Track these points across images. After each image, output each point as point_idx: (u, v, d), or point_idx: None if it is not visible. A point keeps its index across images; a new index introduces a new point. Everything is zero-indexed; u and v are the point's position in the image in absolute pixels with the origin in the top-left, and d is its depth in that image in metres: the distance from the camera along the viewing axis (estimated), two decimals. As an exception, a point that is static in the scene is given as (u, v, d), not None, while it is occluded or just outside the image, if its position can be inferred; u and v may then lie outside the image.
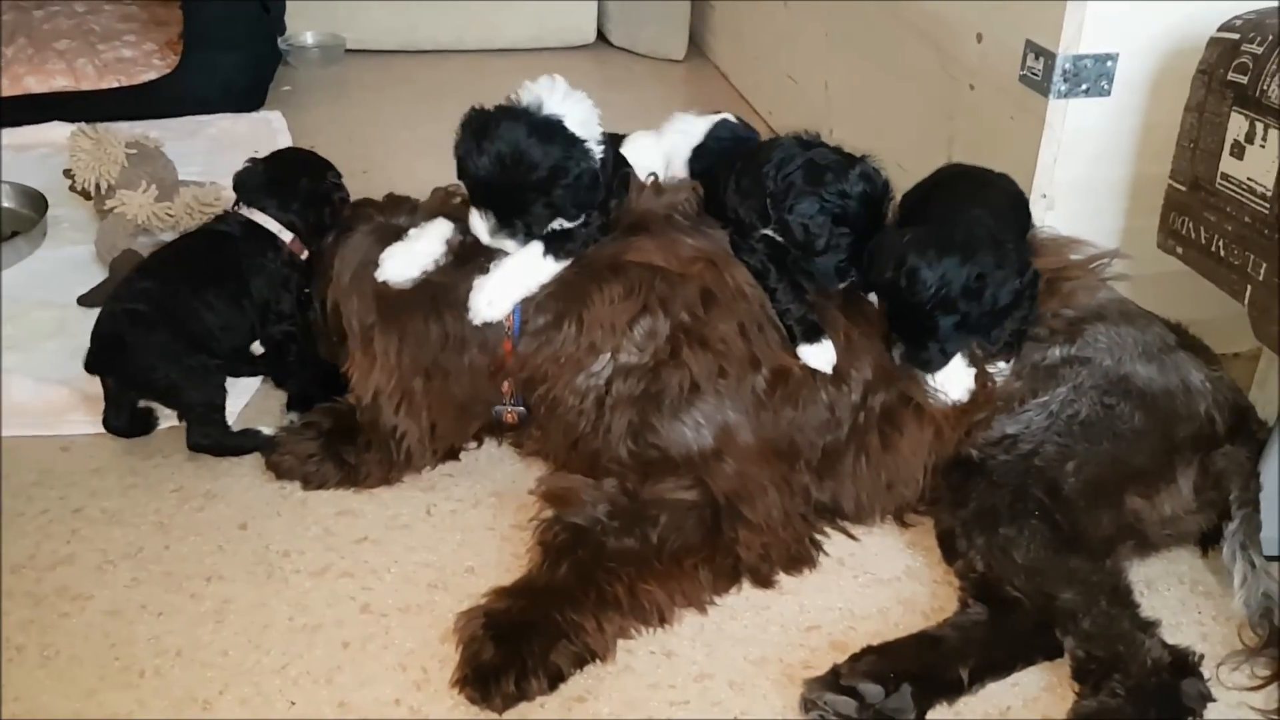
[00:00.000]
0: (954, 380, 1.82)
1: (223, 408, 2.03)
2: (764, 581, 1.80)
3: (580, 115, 1.83)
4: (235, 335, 2.09)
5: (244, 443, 2.04)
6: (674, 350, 1.83)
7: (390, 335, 1.88)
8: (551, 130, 1.78)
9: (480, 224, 1.84)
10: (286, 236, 2.14)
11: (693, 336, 1.83)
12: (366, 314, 1.89)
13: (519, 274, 1.85)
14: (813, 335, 1.84)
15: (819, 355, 1.83)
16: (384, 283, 1.87)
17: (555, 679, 1.59)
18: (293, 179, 2.16)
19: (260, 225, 2.14)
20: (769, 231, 1.84)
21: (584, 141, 1.81)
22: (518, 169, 1.77)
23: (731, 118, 2.12)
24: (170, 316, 1.99)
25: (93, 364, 2.00)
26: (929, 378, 1.82)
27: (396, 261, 1.88)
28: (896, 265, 1.72)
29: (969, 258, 1.70)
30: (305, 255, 2.14)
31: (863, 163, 1.85)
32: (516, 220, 1.81)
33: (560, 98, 1.82)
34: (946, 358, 1.78)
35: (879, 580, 1.84)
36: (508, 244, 1.85)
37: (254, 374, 2.23)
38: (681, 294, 1.85)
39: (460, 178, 1.85)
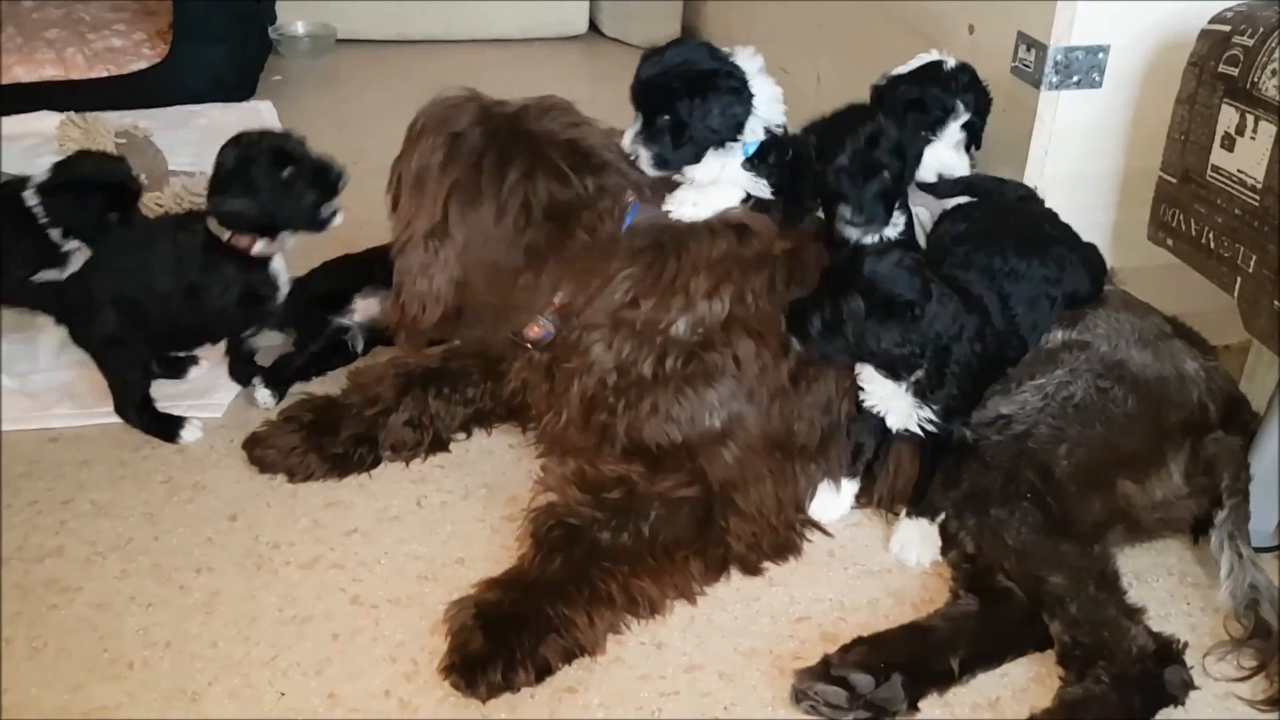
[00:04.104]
0: (830, 505, 1.88)
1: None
2: (752, 570, 1.80)
3: (755, 69, 1.88)
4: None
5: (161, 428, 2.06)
6: (724, 338, 1.82)
7: (447, 179, 1.82)
8: (720, 54, 1.86)
9: (629, 131, 1.86)
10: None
11: (746, 325, 1.83)
12: (432, 154, 1.84)
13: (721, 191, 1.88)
14: None
15: None
16: (458, 133, 1.83)
17: (543, 672, 1.59)
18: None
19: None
20: None
21: (747, 80, 1.85)
22: (679, 68, 1.82)
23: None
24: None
25: None
26: None
27: (688, 202, 1.87)
28: None
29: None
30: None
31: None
32: (657, 116, 1.82)
33: (748, 58, 1.89)
34: (864, 217, 1.80)
35: (869, 572, 1.84)
36: (643, 153, 1.84)
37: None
38: (756, 278, 1.84)
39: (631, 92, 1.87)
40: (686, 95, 1.81)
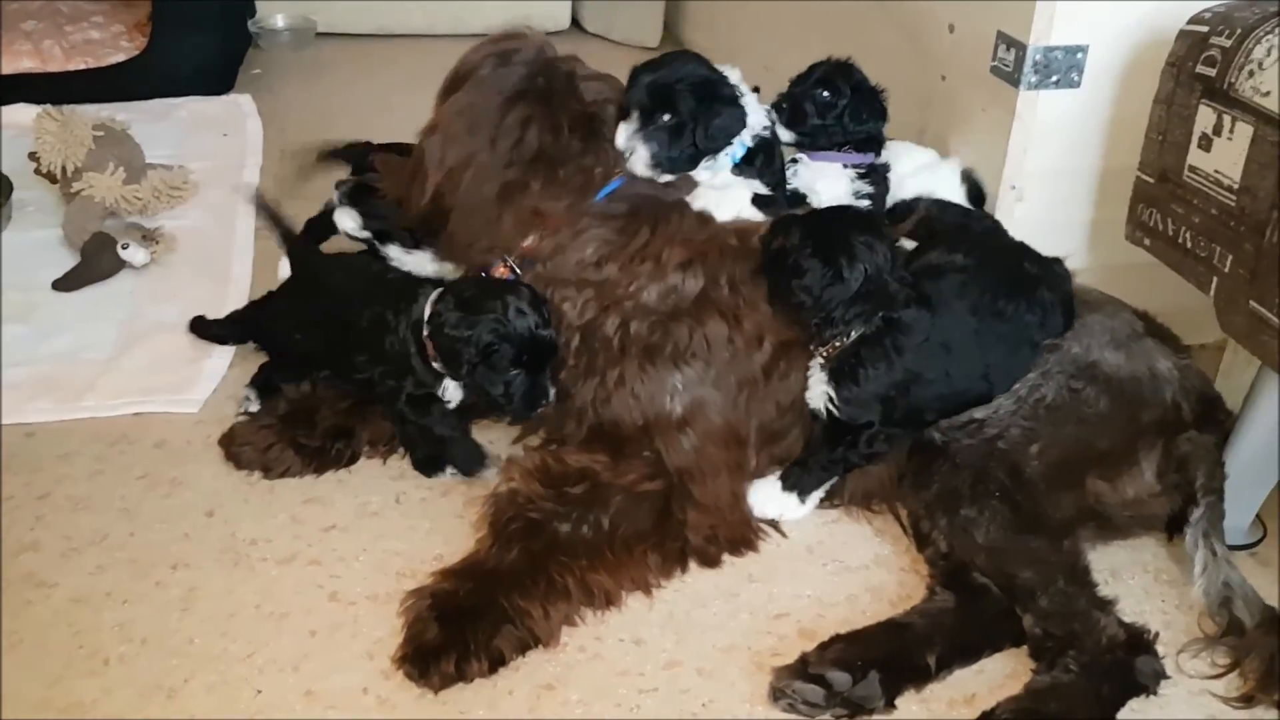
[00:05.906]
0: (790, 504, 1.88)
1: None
2: (710, 562, 1.81)
3: (737, 79, 1.97)
4: None
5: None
6: (694, 313, 1.83)
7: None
8: (716, 69, 1.94)
9: (624, 127, 1.89)
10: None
11: (719, 307, 1.84)
12: (478, 67, 1.95)
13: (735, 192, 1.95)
14: None
15: None
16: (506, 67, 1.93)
17: (496, 663, 1.60)
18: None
19: None
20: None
21: (741, 96, 1.95)
22: (676, 75, 1.89)
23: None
24: None
25: None
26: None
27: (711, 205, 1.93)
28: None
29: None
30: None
31: None
32: (657, 114, 1.86)
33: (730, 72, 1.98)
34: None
35: (847, 568, 1.85)
36: (640, 150, 1.87)
37: None
38: (734, 265, 1.86)
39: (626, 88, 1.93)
40: (694, 98, 1.87)
